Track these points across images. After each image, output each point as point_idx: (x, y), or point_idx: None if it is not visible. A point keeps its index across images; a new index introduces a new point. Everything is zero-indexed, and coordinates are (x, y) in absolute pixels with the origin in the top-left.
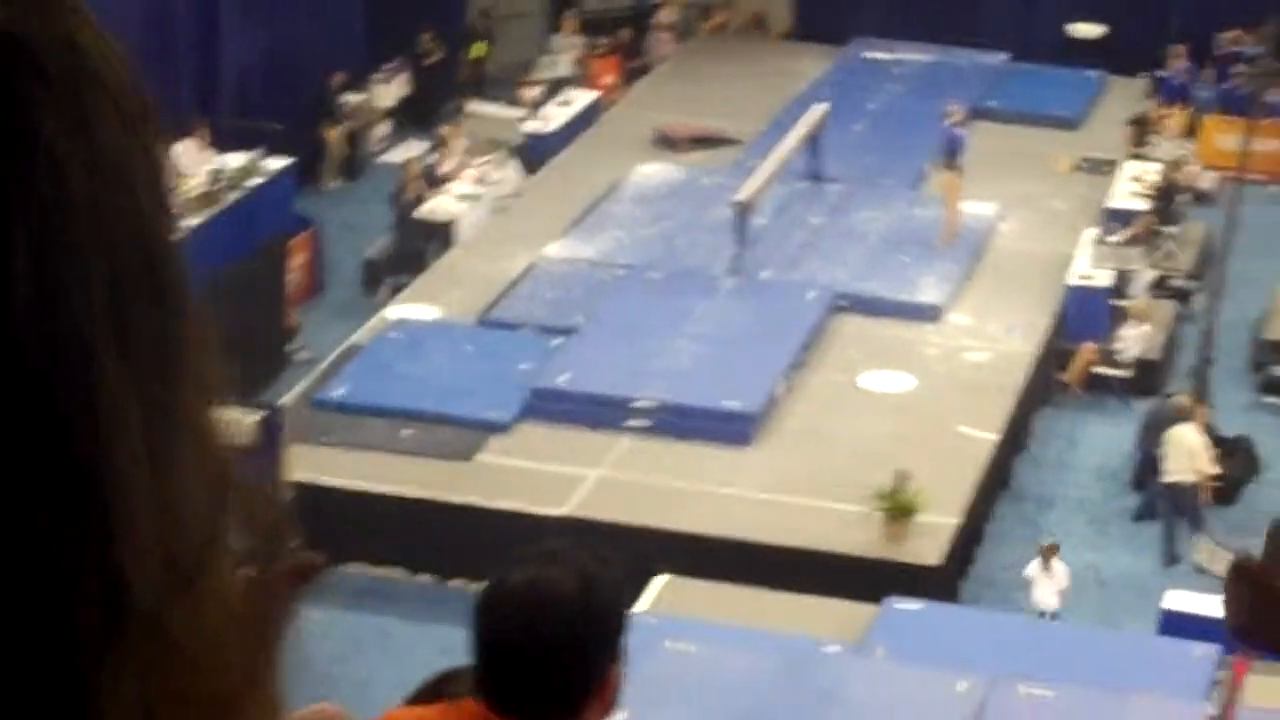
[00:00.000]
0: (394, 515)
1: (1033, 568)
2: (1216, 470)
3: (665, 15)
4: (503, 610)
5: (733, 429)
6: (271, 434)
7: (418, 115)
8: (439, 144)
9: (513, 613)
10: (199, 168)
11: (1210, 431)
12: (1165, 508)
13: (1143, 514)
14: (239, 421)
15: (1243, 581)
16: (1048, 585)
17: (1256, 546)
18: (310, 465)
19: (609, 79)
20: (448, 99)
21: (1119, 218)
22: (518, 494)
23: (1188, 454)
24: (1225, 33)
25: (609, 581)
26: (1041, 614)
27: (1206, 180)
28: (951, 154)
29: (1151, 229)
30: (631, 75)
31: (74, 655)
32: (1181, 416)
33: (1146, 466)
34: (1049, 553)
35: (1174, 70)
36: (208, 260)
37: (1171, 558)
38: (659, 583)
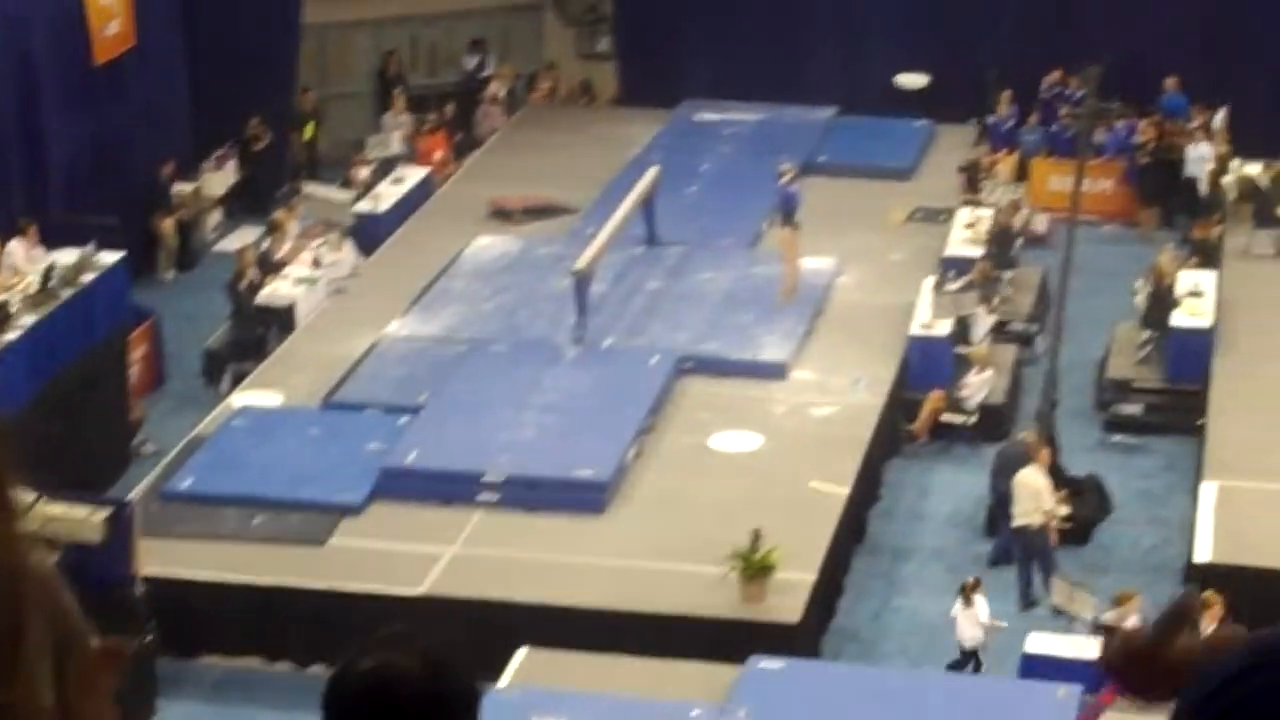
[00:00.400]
0: (249, 604)
1: (955, 608)
2: (1063, 510)
3: (493, 88)
4: (348, 699)
5: (585, 498)
6: (121, 529)
7: (250, 201)
8: (273, 229)
9: (359, 702)
10: (31, 266)
11: (1059, 472)
12: (1017, 552)
13: (998, 559)
14: (85, 519)
15: (1128, 648)
16: (970, 621)
17: (1111, 585)
18: (163, 558)
19: (439, 155)
20: (279, 183)
21: (956, 265)
22: (373, 576)
23: (1032, 496)
24: (1048, 75)
25: (456, 665)
26: (966, 652)
27: (1040, 223)
28: (788, 212)
29: (988, 275)
30: (461, 150)
31: None
32: (1026, 459)
33: (999, 511)
34: (970, 590)
35: (1001, 115)
36: (46, 358)
37: (1028, 601)
38: (520, 656)
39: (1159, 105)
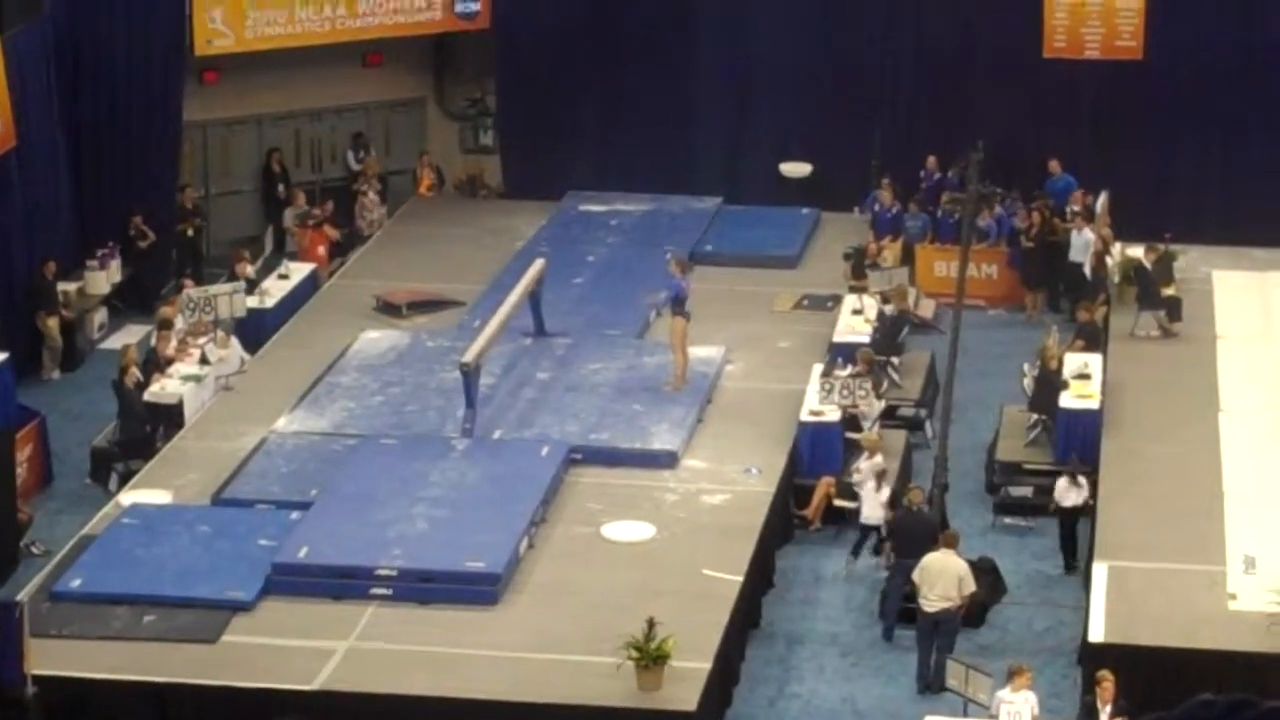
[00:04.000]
0: (143, 703)
1: (1003, 692)
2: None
3: (373, 182)
4: None
5: (478, 590)
6: (10, 629)
7: (135, 299)
8: (158, 326)
9: None
10: None
11: None
12: (926, 634)
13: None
14: None
15: None
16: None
17: (1006, 668)
18: (53, 658)
19: (321, 250)
20: (164, 281)
21: (844, 352)
22: (266, 673)
23: (956, 581)
24: (926, 162)
25: None
26: None
27: (926, 309)
28: (678, 302)
29: (873, 360)
30: (341, 245)
31: None
32: (946, 544)
33: (895, 580)
34: (1017, 675)
35: (883, 203)
36: None
37: (940, 685)
38: None
39: (1047, 188)
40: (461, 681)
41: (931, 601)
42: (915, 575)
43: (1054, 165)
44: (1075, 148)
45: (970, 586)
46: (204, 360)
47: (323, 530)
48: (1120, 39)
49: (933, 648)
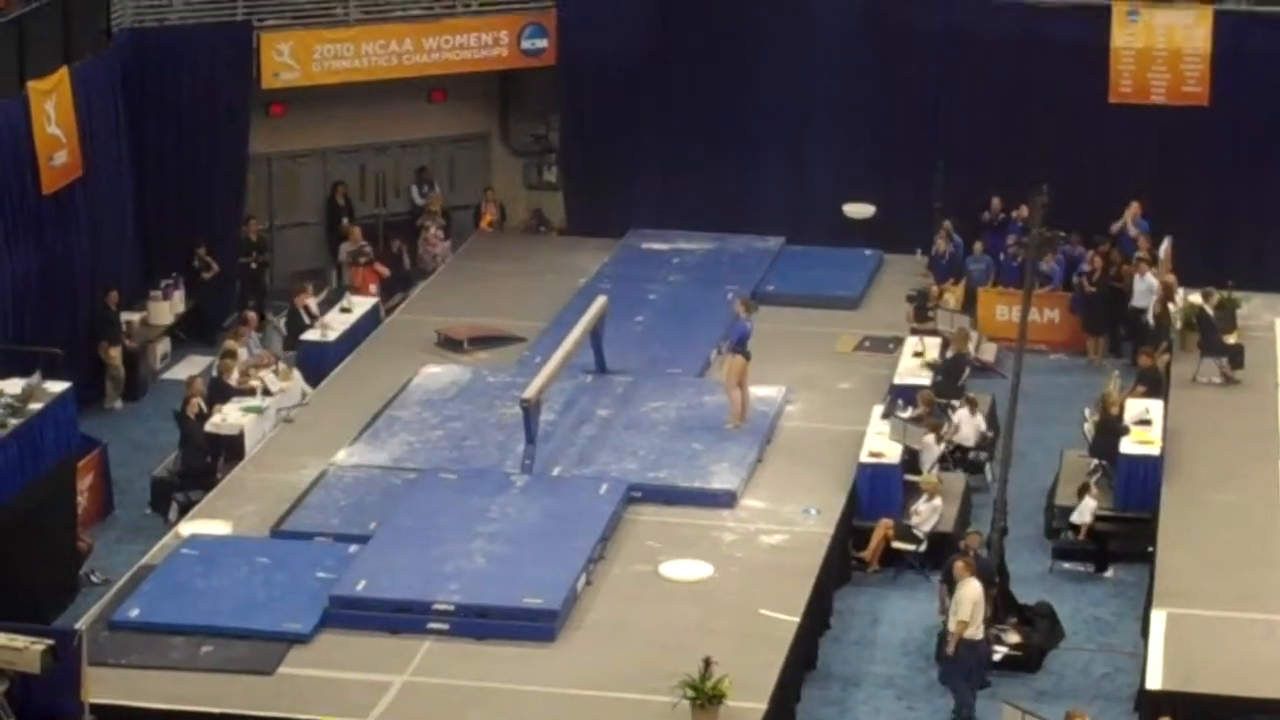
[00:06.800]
0: None
1: None
2: (1013, 638)
3: (436, 218)
4: None
5: (535, 626)
6: (68, 658)
7: (198, 330)
8: (221, 357)
9: None
10: None
11: (1010, 600)
12: (964, 665)
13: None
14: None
15: None
16: None
17: (1062, 714)
18: (111, 687)
19: (373, 287)
20: (227, 312)
21: (905, 394)
22: (322, 705)
23: (978, 607)
24: (990, 205)
25: None
26: None
27: (988, 352)
28: (739, 342)
29: (934, 402)
30: (392, 282)
31: None
32: (966, 570)
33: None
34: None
35: (946, 245)
36: None
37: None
38: None
39: (1123, 231)
40: (517, 718)
41: (979, 629)
42: (965, 614)
43: (1134, 208)
44: (1138, 192)
45: (966, 612)
46: (266, 392)
47: (381, 564)
48: (1186, 85)
49: (970, 678)
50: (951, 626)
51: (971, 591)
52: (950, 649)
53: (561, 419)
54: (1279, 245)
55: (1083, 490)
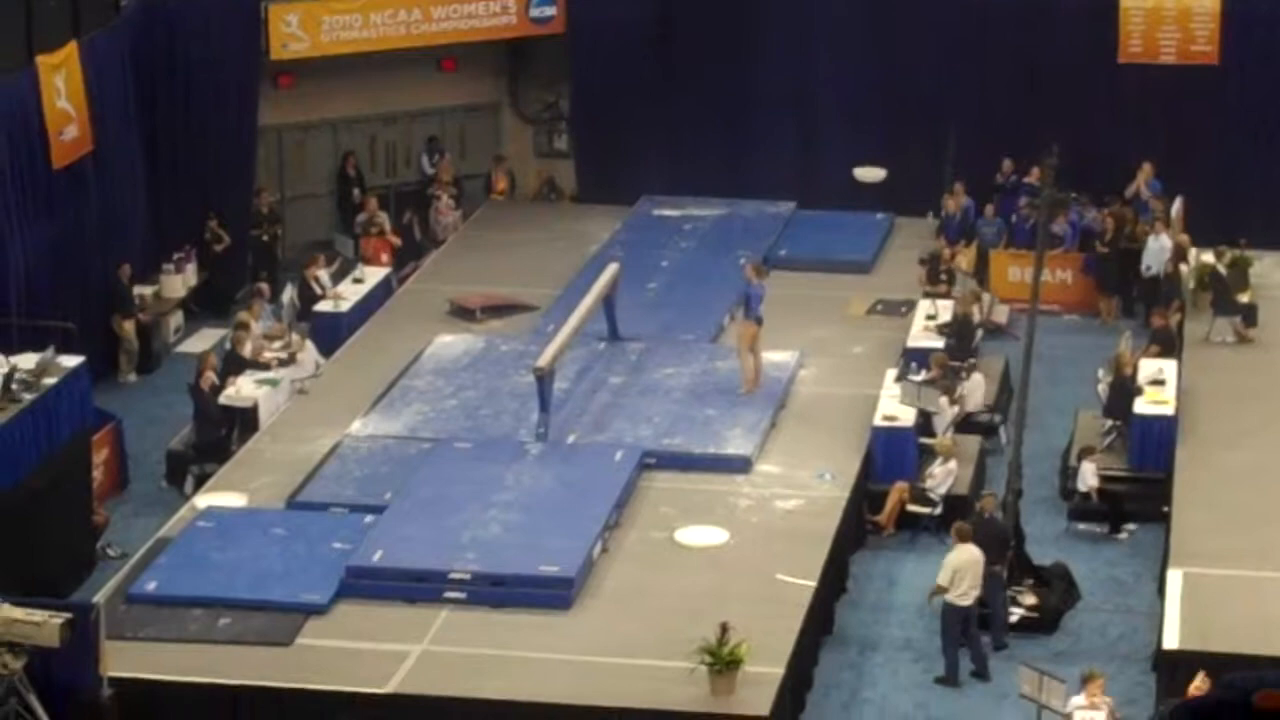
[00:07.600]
0: (217, 705)
1: (1077, 699)
2: (942, 585)
3: (447, 187)
4: None
5: (551, 594)
6: (86, 632)
7: (210, 302)
8: (234, 329)
9: None
10: None
11: (1026, 562)
12: (954, 631)
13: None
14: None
15: None
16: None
17: (1079, 674)
18: (129, 660)
19: (385, 257)
20: (239, 285)
21: (918, 357)
22: (340, 675)
23: (953, 573)
24: (1002, 166)
25: None
26: None
27: (1000, 314)
28: (750, 307)
29: (947, 365)
30: (409, 251)
31: None
32: (961, 538)
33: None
34: (1090, 681)
35: (957, 207)
36: (8, 463)
37: (985, 671)
38: None
39: (1137, 194)
40: (534, 685)
41: (965, 595)
42: (944, 579)
43: (1147, 169)
44: (1149, 152)
45: (955, 578)
46: (279, 363)
47: (397, 534)
48: (1195, 44)
49: (971, 638)
50: (979, 590)
51: (956, 557)
52: (930, 605)
53: (575, 386)
54: None
55: (1082, 454)
